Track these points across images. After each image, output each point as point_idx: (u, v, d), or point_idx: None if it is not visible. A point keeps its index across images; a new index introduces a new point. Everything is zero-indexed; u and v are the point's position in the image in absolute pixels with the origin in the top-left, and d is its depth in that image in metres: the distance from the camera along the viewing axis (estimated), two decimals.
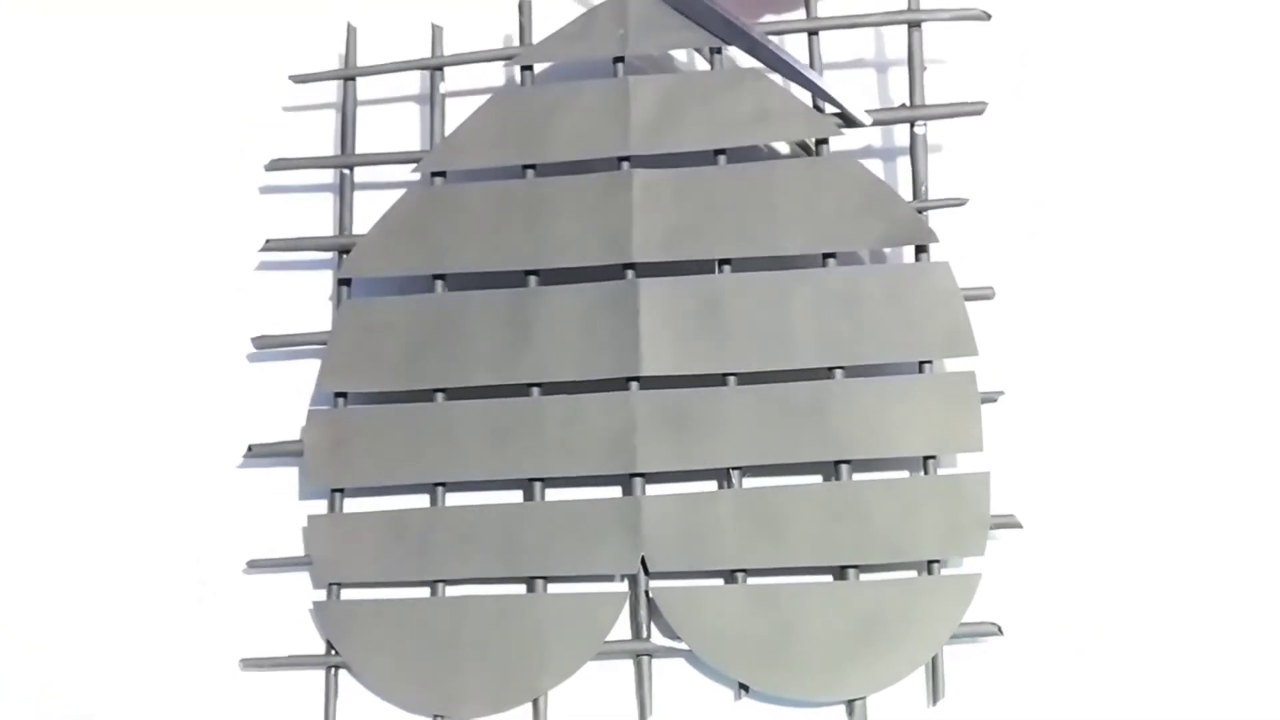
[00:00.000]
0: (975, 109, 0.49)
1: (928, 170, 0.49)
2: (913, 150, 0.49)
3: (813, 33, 0.50)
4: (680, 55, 0.54)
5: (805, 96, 0.50)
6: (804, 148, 0.50)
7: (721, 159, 0.49)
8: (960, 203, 0.48)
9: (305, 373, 0.51)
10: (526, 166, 0.50)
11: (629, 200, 0.49)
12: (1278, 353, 0.49)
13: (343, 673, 0.48)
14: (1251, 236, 0.50)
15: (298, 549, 0.49)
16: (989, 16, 0.49)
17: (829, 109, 0.49)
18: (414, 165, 0.51)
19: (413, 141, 0.54)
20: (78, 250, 0.54)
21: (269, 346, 0.51)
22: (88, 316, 0.53)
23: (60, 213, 0.55)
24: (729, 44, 0.50)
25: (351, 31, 0.54)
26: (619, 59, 0.51)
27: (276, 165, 0.53)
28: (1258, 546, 0.47)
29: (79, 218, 0.55)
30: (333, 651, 0.48)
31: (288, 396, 0.51)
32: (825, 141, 0.49)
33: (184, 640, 0.49)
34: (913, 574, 0.46)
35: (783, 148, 0.52)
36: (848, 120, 0.49)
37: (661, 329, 0.48)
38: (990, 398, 0.47)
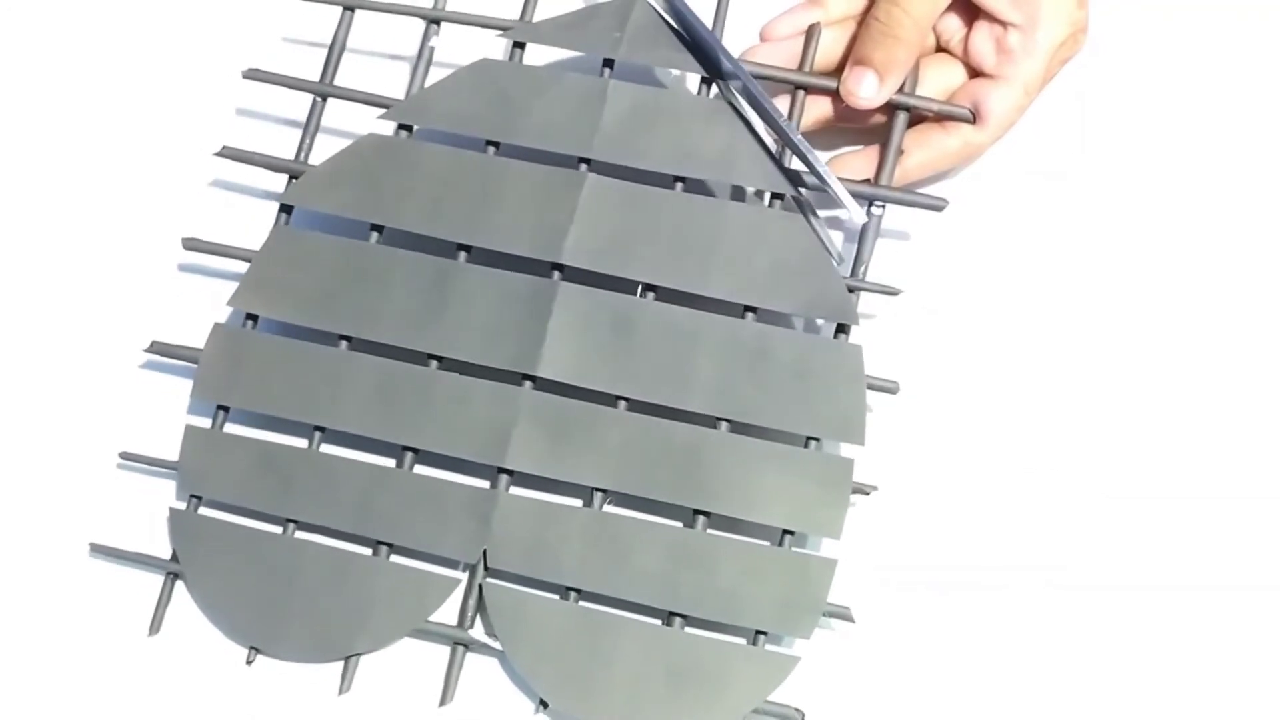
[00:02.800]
0: (936, 204, 0.48)
1: (873, 251, 0.48)
2: (864, 228, 0.48)
3: (800, 86, 0.49)
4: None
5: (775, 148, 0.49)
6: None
7: (679, 185, 0.49)
8: (894, 292, 0.48)
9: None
10: (490, 143, 0.50)
11: (574, 202, 0.49)
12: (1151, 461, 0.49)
13: (180, 584, 0.49)
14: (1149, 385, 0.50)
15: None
16: (972, 119, 0.49)
17: (792, 165, 0.49)
18: (383, 112, 0.51)
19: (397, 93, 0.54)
20: (55, 139, 0.55)
21: (196, 250, 0.52)
22: (54, 201, 0.54)
23: (41, 97, 0.56)
24: (722, 78, 0.49)
25: None
26: (610, 62, 0.50)
27: (252, 75, 0.53)
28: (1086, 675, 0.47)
29: (62, 106, 0.55)
30: (176, 560, 0.49)
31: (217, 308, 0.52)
32: (781, 197, 0.49)
33: (42, 518, 0.50)
34: (739, 640, 0.46)
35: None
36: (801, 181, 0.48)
37: (567, 336, 0.48)
38: (863, 489, 0.47)
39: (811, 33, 0.49)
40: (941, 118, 0.50)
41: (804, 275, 0.48)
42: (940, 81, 0.50)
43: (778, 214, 0.48)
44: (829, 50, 0.50)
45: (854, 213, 0.47)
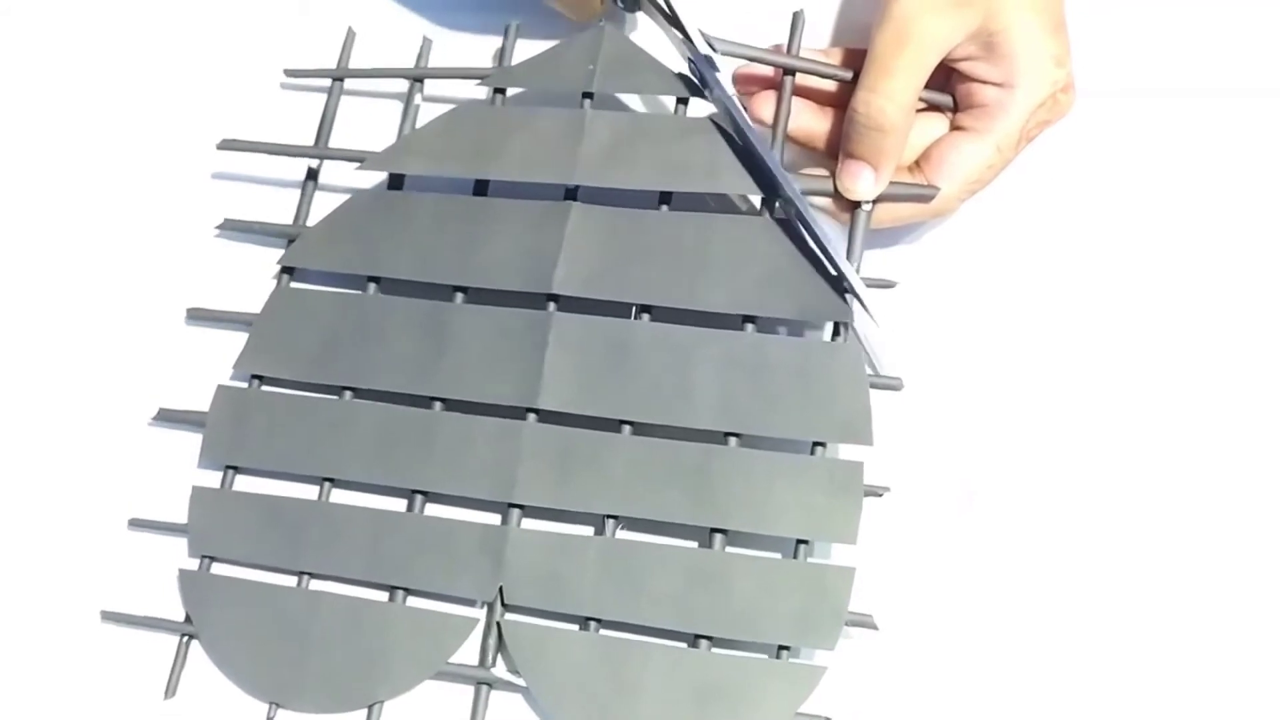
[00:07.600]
0: (926, 194, 0.47)
1: (864, 247, 0.47)
2: (853, 224, 0.48)
3: (789, 72, 0.49)
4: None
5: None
6: None
7: (664, 207, 0.49)
8: (889, 285, 0.47)
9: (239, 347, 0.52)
10: (479, 183, 0.51)
11: (562, 232, 0.49)
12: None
13: (195, 644, 0.48)
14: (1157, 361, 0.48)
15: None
16: (952, 107, 0.48)
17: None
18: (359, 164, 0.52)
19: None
20: (57, 204, 0.56)
21: (200, 319, 0.52)
22: (52, 270, 0.55)
23: (51, 171, 0.57)
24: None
25: (350, 35, 0.55)
26: (588, 94, 0.51)
27: (227, 145, 0.54)
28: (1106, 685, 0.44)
29: (68, 173, 0.57)
30: (190, 621, 0.49)
31: (222, 368, 0.52)
32: (771, 203, 0.48)
33: (53, 586, 0.50)
34: (762, 655, 0.45)
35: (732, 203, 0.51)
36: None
37: (566, 366, 0.48)
38: (875, 491, 0.45)
39: (796, 19, 0.49)
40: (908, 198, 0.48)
41: (795, 279, 0.47)
42: (921, 135, 0.48)
43: (764, 221, 0.48)
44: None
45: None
